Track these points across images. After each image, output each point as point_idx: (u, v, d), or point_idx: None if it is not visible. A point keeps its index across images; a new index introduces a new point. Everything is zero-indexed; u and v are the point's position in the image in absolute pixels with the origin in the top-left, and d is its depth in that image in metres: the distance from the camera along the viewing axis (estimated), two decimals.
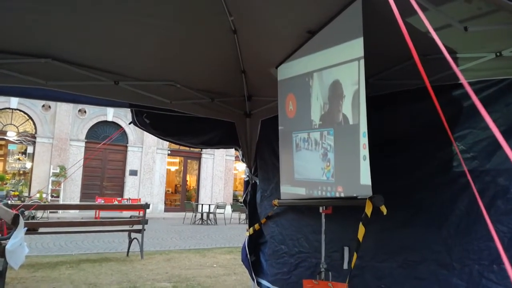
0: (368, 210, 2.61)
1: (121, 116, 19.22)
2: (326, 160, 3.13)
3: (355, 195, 2.83)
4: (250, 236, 5.02)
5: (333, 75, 3.04)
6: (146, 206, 8.76)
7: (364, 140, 2.68)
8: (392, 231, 3.29)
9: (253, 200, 5.14)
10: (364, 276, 3.43)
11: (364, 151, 2.67)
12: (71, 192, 18.24)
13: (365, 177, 2.66)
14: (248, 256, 4.99)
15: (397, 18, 1.39)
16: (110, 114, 19.43)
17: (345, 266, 3.57)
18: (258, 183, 5.07)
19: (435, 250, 3.01)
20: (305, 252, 4.10)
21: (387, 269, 3.30)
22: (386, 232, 3.30)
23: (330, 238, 3.54)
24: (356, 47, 2.70)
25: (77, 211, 17.07)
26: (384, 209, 2.60)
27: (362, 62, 2.67)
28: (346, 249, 3.59)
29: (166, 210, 20.74)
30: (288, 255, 4.36)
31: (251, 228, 4.93)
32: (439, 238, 3.00)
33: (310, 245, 4.05)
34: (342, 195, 2.97)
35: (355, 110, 2.78)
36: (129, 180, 19.96)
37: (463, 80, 1.25)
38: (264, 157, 4.92)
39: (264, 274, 4.85)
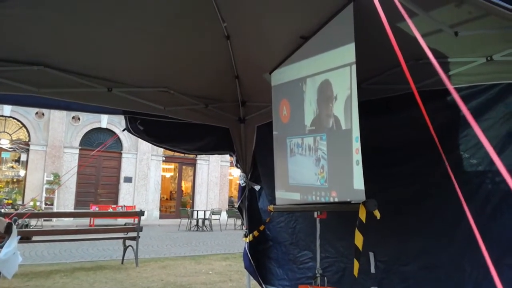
0: (362, 215, 2.61)
1: (115, 123, 19.15)
2: (320, 165, 3.13)
3: (348, 199, 2.84)
4: (250, 242, 5.01)
5: (326, 80, 3.05)
6: (141, 213, 8.71)
7: (356, 145, 2.69)
8: (413, 236, 3.44)
9: (251, 205, 5.12)
10: (391, 279, 3.62)
11: (357, 156, 2.68)
12: (65, 200, 18.11)
13: (358, 182, 2.66)
14: (252, 262, 4.97)
15: (385, 25, 1.40)
16: (104, 121, 19.36)
17: (372, 270, 3.72)
18: (263, 190, 5.06)
19: (450, 253, 3.15)
20: (332, 257, 4.17)
21: (410, 272, 3.47)
22: (407, 238, 3.47)
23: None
24: (348, 53, 2.72)
25: (71, 219, 16.94)
26: (377, 214, 2.60)
27: (354, 67, 2.69)
28: (371, 254, 3.72)
29: (161, 217, 20.63)
30: (313, 261, 4.39)
31: (251, 235, 4.92)
32: (452, 242, 3.14)
33: (336, 250, 4.14)
34: (336, 200, 2.98)
35: (347, 115, 2.79)
36: (124, 187, 19.86)
37: (449, 86, 1.26)
38: (267, 164, 4.90)
39: (278, 279, 4.85)
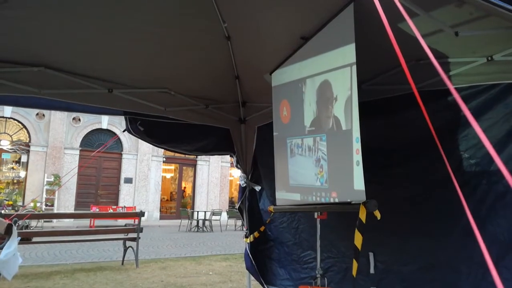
0: (362, 215, 2.61)
1: (115, 123, 19.15)
2: (319, 166, 3.13)
3: (349, 200, 2.83)
4: (251, 243, 5.00)
5: (325, 81, 3.05)
6: (141, 214, 8.71)
7: (357, 146, 2.69)
8: (412, 237, 3.44)
9: (252, 206, 5.12)
10: (389, 279, 3.63)
11: (357, 156, 2.67)
12: (66, 201, 18.11)
13: (359, 182, 2.66)
14: (253, 262, 4.97)
15: (385, 25, 1.40)
16: (104, 121, 19.37)
17: (372, 270, 3.74)
18: (264, 191, 5.05)
19: (449, 254, 3.16)
20: (334, 257, 4.20)
21: (410, 272, 3.49)
22: (407, 238, 3.47)
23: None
24: (348, 53, 2.71)
25: (72, 220, 16.93)
26: (378, 214, 2.60)
27: (354, 68, 2.69)
28: (371, 255, 3.74)
29: (161, 218, 20.63)
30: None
31: (251, 236, 4.91)
32: (450, 242, 3.14)
33: (338, 251, 4.16)
34: (337, 200, 2.97)
35: (347, 116, 2.79)
36: (124, 188, 19.85)
37: (450, 86, 1.26)
38: (268, 165, 4.89)
39: (281, 279, 4.86)
